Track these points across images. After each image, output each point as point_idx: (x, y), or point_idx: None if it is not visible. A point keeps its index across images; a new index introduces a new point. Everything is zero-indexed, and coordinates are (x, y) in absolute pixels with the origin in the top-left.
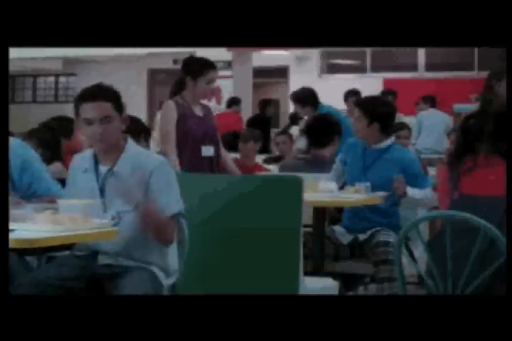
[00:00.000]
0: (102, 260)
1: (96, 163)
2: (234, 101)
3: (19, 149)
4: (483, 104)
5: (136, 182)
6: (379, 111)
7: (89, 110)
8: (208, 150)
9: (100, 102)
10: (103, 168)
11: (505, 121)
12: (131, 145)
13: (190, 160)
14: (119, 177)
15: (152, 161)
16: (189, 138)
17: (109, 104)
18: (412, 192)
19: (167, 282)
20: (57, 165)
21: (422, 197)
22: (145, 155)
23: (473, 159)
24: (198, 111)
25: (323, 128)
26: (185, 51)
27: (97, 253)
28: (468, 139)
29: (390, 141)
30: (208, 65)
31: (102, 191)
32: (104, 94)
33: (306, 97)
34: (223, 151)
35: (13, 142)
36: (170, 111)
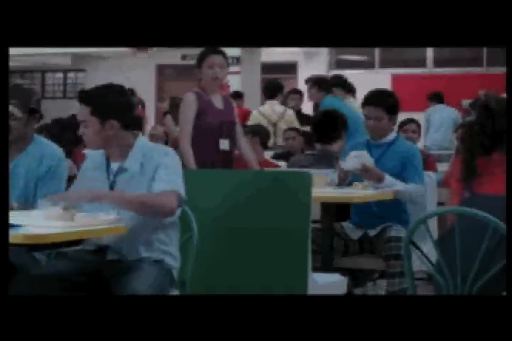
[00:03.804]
0: (110, 255)
1: (107, 160)
2: (237, 95)
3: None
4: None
5: (144, 175)
6: (391, 103)
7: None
8: (223, 144)
9: (81, 105)
10: (114, 165)
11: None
12: (141, 140)
13: (207, 154)
14: (129, 173)
15: (159, 152)
16: (206, 131)
17: (87, 109)
18: (391, 180)
19: (175, 266)
20: (68, 162)
21: (403, 190)
22: (153, 148)
23: (487, 159)
24: (218, 104)
25: (331, 124)
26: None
27: (106, 248)
28: (478, 141)
29: (394, 134)
30: (206, 50)
31: (111, 188)
32: (85, 98)
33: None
34: (245, 146)
35: (56, 150)
36: (189, 104)
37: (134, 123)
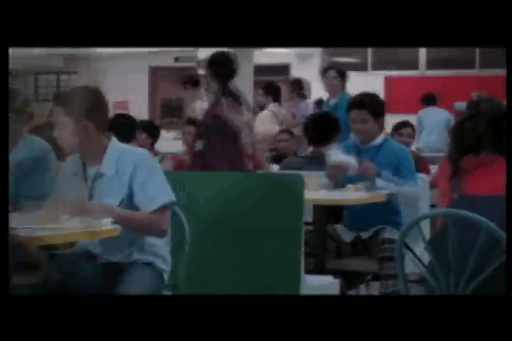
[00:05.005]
0: (101, 258)
1: (84, 166)
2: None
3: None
4: (475, 106)
5: (121, 181)
6: (376, 106)
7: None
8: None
9: (55, 107)
10: (91, 171)
11: (499, 122)
12: (114, 143)
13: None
14: (105, 178)
15: (133, 155)
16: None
17: (60, 109)
18: (381, 182)
19: (166, 269)
20: (61, 164)
21: (396, 192)
22: (127, 151)
23: (475, 159)
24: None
25: (326, 127)
26: (186, 49)
27: (97, 251)
28: (464, 142)
29: (382, 136)
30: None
31: (91, 194)
32: (59, 99)
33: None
34: (257, 144)
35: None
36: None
37: (108, 125)
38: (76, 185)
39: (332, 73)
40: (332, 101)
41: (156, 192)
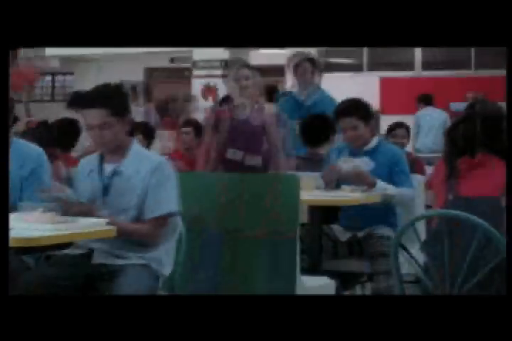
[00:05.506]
0: (97, 259)
1: (101, 163)
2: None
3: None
4: (469, 108)
5: (137, 182)
6: (364, 110)
7: (87, 116)
8: (234, 154)
9: (97, 109)
10: (108, 167)
11: (494, 123)
12: (136, 145)
13: (216, 163)
14: (123, 177)
15: (152, 162)
16: (217, 141)
17: (106, 111)
18: (382, 185)
19: (163, 273)
20: (57, 164)
21: (395, 194)
22: (147, 155)
23: (470, 160)
24: (241, 114)
25: (321, 128)
26: (181, 50)
27: (92, 252)
28: (459, 144)
29: (376, 140)
30: (232, 65)
31: (105, 190)
32: (100, 100)
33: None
34: (279, 157)
35: (38, 150)
36: (206, 117)
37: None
38: (91, 181)
39: (310, 63)
40: (308, 100)
41: (157, 203)
